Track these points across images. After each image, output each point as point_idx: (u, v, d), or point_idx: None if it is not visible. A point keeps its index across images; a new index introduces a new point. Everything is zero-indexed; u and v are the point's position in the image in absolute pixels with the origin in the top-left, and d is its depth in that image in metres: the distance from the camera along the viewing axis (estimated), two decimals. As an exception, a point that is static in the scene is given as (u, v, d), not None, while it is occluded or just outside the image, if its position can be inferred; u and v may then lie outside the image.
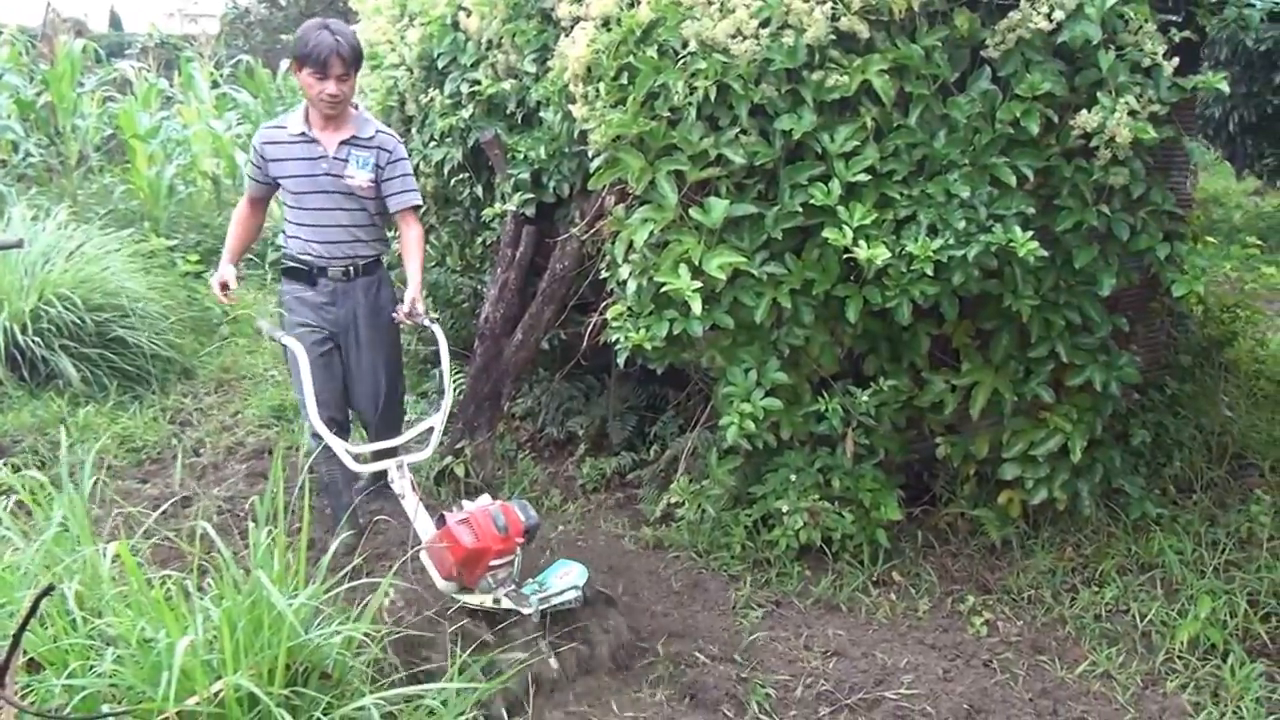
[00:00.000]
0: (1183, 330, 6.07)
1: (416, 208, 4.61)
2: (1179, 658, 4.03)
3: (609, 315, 4.40)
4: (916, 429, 4.79)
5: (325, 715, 2.77)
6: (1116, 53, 4.02)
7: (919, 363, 4.56)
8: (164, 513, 4.59)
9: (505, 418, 5.91)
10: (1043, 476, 4.57)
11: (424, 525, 3.90)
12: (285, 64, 13.35)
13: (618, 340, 4.33)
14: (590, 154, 4.37)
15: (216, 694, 2.69)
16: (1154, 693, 3.88)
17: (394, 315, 4.52)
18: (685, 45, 4.12)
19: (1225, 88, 4.05)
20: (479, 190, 5.55)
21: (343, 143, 4.44)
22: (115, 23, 26.20)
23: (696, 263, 4.05)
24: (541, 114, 4.92)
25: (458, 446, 5.32)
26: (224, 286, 4.60)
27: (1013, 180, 4.04)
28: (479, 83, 5.17)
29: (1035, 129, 4.02)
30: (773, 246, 4.17)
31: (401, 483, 3.98)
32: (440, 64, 5.42)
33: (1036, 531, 4.80)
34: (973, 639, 4.20)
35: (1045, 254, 4.02)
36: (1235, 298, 6.74)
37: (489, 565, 3.71)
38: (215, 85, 12.60)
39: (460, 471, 5.30)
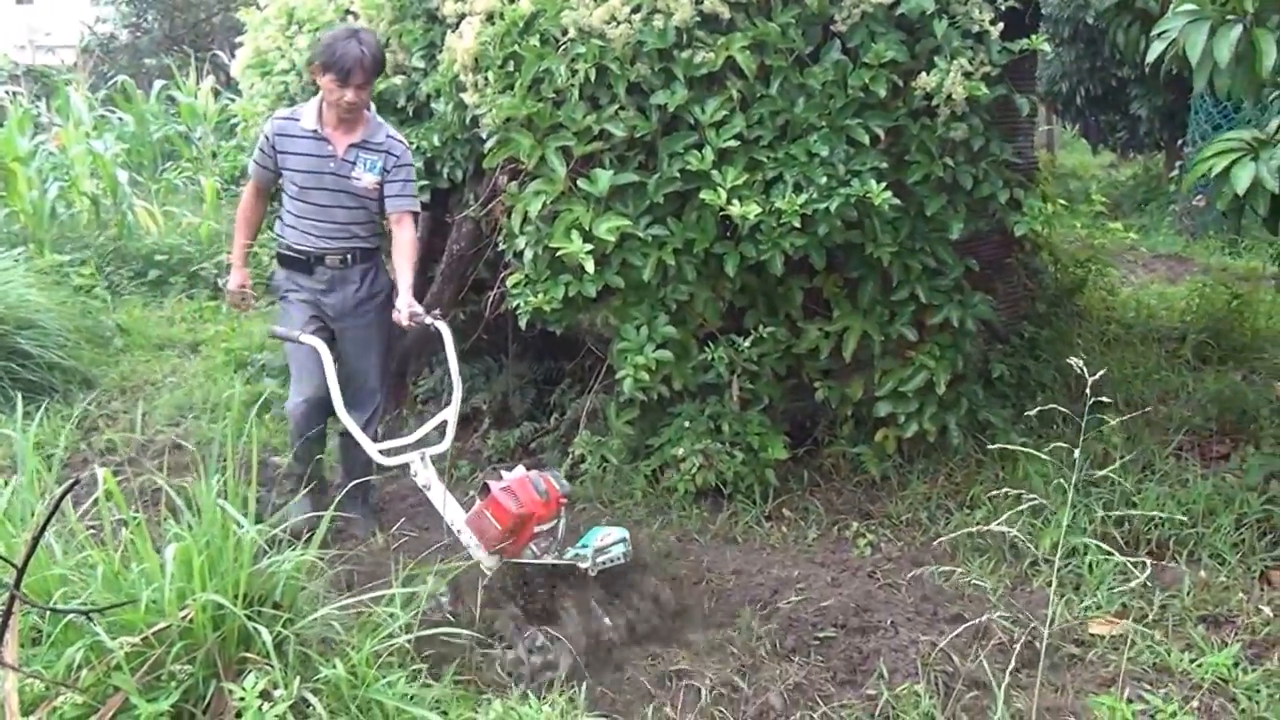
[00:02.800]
0: (1038, 283, 6.60)
1: (415, 213, 4.67)
2: (1044, 561, 4.49)
3: (509, 283, 4.73)
4: (796, 377, 5.19)
5: (284, 629, 3.06)
6: (949, 21, 4.49)
7: (794, 314, 4.98)
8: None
9: (409, 400, 6.18)
10: (913, 411, 5.01)
11: (454, 513, 3.94)
12: (158, 85, 13.38)
13: (518, 305, 4.66)
14: (484, 137, 4.69)
15: (185, 615, 2.96)
16: (1022, 590, 4.35)
17: (395, 319, 4.51)
18: (565, 33, 4.49)
19: (1047, 48, 4.56)
20: (373, 183, 5.81)
21: (352, 145, 4.50)
22: (-34, 55, 25.58)
23: (587, 228, 4.41)
24: (432, 105, 5.22)
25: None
26: (240, 289, 4.81)
27: (866, 139, 4.49)
28: (370, 80, 5.45)
29: (883, 92, 4.47)
30: (655, 211, 4.55)
31: (426, 474, 4.02)
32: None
33: (911, 464, 5.25)
34: (858, 558, 4.62)
35: (899, 204, 4.46)
36: (1087, 253, 7.33)
37: (533, 532, 3.81)
38: (91, 109, 12.57)
39: (370, 449, 5.54)
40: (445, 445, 4.12)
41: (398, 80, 5.33)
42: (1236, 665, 3.64)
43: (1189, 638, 3.88)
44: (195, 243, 10.02)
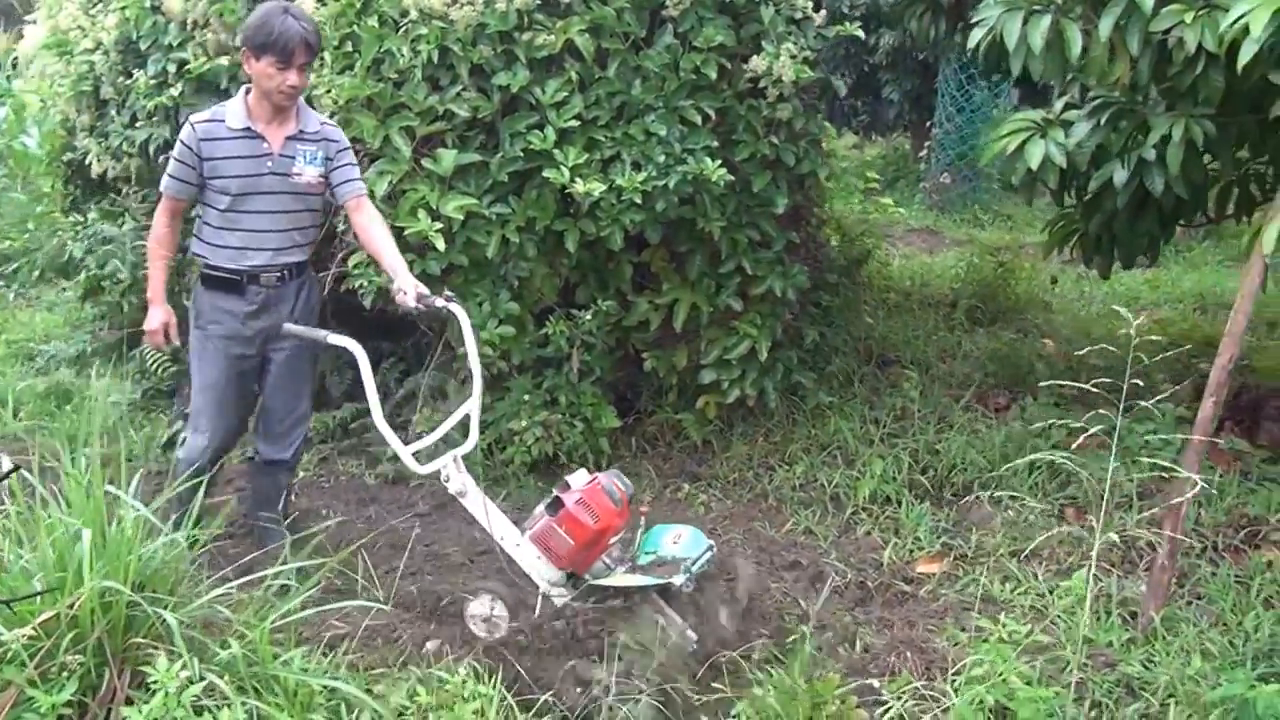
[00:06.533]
0: (825, 255, 7.03)
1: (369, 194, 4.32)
2: (863, 509, 4.89)
3: (350, 264, 4.74)
4: (622, 349, 5.42)
5: (174, 611, 3.05)
6: (774, 8, 4.78)
7: (624, 288, 5.20)
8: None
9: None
10: (735, 378, 5.30)
11: (500, 524, 3.70)
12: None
13: (361, 286, 4.68)
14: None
15: (72, 604, 2.92)
16: (848, 537, 4.72)
17: (400, 301, 4.00)
18: (405, 14, 4.54)
19: (861, 33, 4.90)
20: (187, 165, 5.68)
21: (289, 138, 4.06)
22: None
23: (434, 207, 4.49)
24: (259, 86, 5.16)
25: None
26: (164, 326, 4.18)
27: (699, 119, 4.75)
28: (187, 62, 5.33)
29: (713, 75, 4.73)
30: (498, 190, 4.67)
31: (460, 478, 3.73)
32: (142, 46, 5.52)
33: (732, 427, 5.56)
34: (695, 517, 4.90)
35: (731, 178, 4.73)
36: (862, 227, 7.84)
37: (607, 545, 3.59)
38: None
39: (195, 435, 5.44)
40: (472, 443, 3.80)
41: (223, 61, 5.23)
42: (1052, 591, 4.09)
43: (1005, 570, 4.31)
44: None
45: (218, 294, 4.14)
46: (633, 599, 3.53)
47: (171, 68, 5.42)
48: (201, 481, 3.71)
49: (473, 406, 3.84)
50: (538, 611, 3.60)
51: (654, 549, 3.71)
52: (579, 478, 3.66)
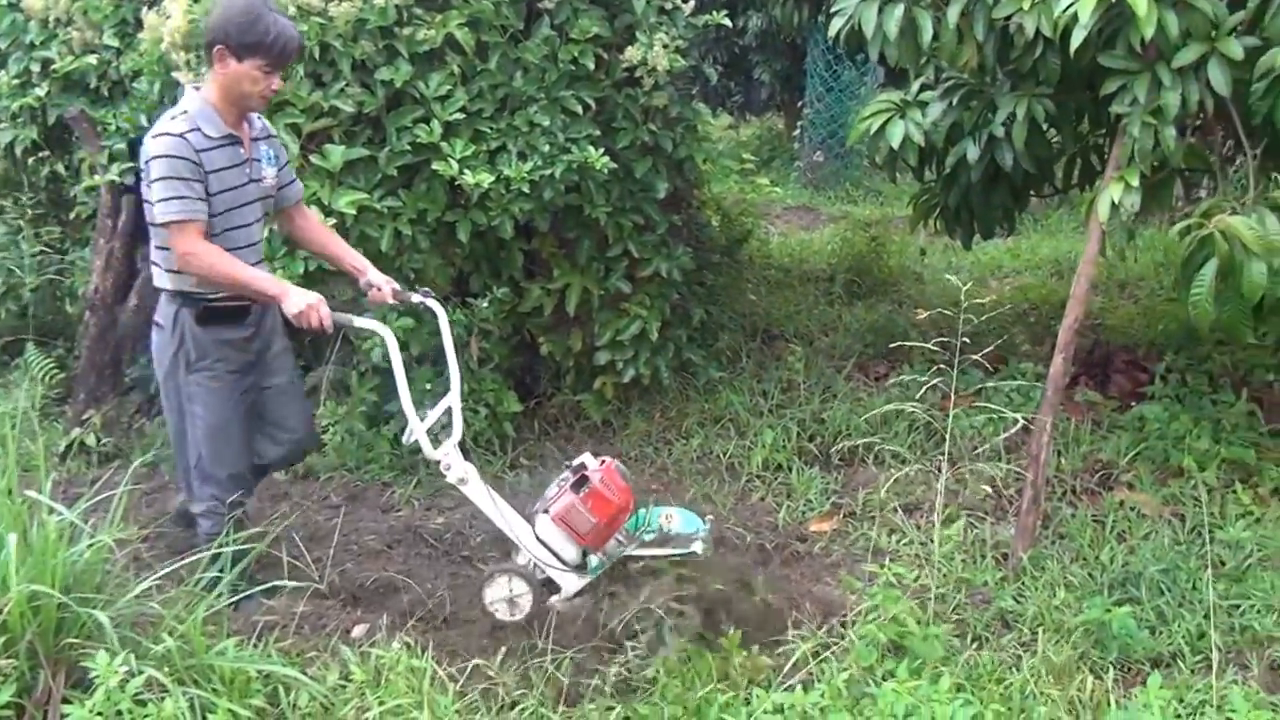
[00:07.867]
0: (706, 236, 7.24)
1: None
2: (757, 477, 5.12)
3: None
4: (519, 335, 5.55)
5: (105, 610, 3.11)
6: (645, -1, 4.97)
7: (516, 275, 5.33)
8: None
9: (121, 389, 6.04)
10: (629, 358, 5.48)
11: (510, 514, 3.75)
12: None
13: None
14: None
15: (1, 610, 2.96)
16: (744, 504, 4.93)
17: (375, 298, 3.89)
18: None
19: (729, 22, 5.11)
20: (59, 168, 5.64)
21: (254, 140, 3.80)
22: None
23: (326, 203, 4.56)
24: (131, 85, 5.15)
25: (84, 417, 5.45)
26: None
27: (579, 109, 4.90)
28: (52, 61, 5.29)
29: (591, 65, 4.90)
30: (387, 184, 4.76)
31: (462, 466, 3.68)
32: (2, 45, 5.47)
33: (629, 406, 5.74)
34: (600, 493, 5.06)
35: (614, 165, 4.89)
36: (741, 207, 8.06)
37: (622, 523, 3.74)
38: None
39: (91, 441, 5.42)
40: (458, 434, 3.75)
41: (90, 59, 5.21)
42: (933, 540, 4.34)
43: (891, 524, 4.57)
44: None
45: (218, 328, 3.74)
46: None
47: (35, 67, 5.39)
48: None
49: (453, 399, 3.84)
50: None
51: (654, 527, 3.89)
52: (589, 459, 3.81)
